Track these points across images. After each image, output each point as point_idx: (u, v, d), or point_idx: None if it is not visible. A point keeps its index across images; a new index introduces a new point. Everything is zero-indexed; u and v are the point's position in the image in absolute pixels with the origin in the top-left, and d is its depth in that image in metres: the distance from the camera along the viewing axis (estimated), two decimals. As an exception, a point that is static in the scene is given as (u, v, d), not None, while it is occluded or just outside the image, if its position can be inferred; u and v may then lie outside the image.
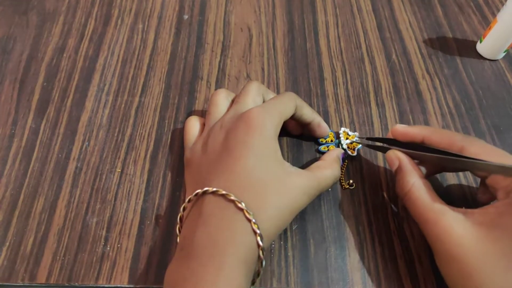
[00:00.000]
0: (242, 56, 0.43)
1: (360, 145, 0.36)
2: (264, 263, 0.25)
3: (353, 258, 0.31)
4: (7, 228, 0.31)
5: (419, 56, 0.44)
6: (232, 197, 0.25)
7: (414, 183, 0.28)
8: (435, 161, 0.31)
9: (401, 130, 0.32)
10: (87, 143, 0.36)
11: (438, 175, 0.35)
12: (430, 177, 0.35)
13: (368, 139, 0.36)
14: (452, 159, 0.28)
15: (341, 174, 0.34)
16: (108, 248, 0.30)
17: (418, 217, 0.28)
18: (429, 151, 0.30)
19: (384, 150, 0.33)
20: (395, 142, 0.33)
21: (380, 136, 0.37)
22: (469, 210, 0.26)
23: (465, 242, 0.25)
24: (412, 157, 0.31)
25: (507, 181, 0.26)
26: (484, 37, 0.43)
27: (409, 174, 0.29)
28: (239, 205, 0.25)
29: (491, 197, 0.30)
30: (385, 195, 0.34)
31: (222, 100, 0.33)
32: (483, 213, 0.26)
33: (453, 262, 0.25)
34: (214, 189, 0.26)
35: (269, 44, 0.44)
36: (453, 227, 0.25)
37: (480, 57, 0.44)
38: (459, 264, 0.25)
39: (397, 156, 0.30)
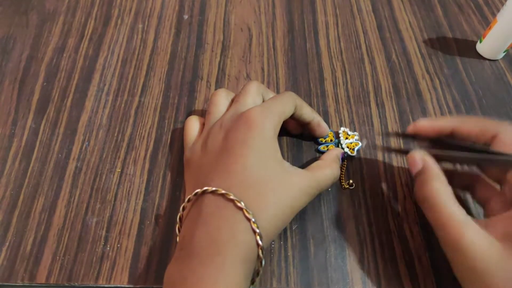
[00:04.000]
0: (242, 56, 0.43)
1: (360, 145, 0.36)
2: (263, 262, 0.25)
3: (353, 258, 0.31)
4: (7, 228, 0.31)
5: (419, 56, 0.44)
6: (232, 197, 0.25)
7: (439, 189, 0.26)
8: (465, 161, 0.29)
9: (427, 124, 0.30)
10: (87, 143, 0.36)
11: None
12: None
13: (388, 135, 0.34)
14: (487, 157, 0.26)
15: (341, 174, 0.34)
16: (108, 248, 0.30)
17: (438, 226, 0.26)
18: (455, 149, 0.28)
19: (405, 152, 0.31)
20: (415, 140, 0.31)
21: (381, 138, 0.37)
22: (489, 221, 0.25)
23: (489, 257, 0.24)
24: (436, 158, 0.29)
25: None
26: (484, 37, 0.43)
27: (435, 178, 0.27)
28: (239, 204, 0.25)
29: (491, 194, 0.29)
30: (385, 195, 0.34)
31: (222, 100, 0.33)
32: (505, 224, 0.25)
33: (475, 277, 0.24)
34: (214, 188, 0.26)
35: (269, 44, 0.44)
36: (478, 241, 0.24)
37: (480, 57, 0.44)
38: (482, 278, 0.24)
39: (422, 158, 0.28)
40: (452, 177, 0.31)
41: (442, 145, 0.30)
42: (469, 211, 0.33)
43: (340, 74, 0.42)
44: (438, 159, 0.29)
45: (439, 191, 0.27)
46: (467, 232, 0.24)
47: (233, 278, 0.23)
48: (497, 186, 0.29)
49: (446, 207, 0.26)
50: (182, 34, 0.44)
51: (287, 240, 0.31)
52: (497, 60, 0.44)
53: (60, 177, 0.34)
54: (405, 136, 0.32)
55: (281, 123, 0.30)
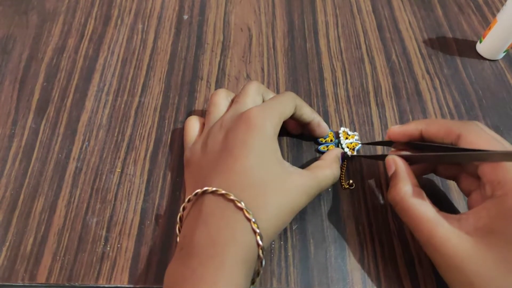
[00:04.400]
0: (242, 56, 0.43)
1: (360, 145, 0.36)
2: (263, 262, 0.25)
3: (353, 258, 0.31)
4: (7, 228, 0.31)
5: (419, 56, 0.44)
6: (232, 197, 0.25)
7: (407, 191, 0.28)
8: (433, 160, 0.31)
9: (398, 130, 0.31)
10: (87, 143, 0.36)
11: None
12: (421, 176, 0.34)
13: (367, 144, 0.36)
14: (452, 154, 0.27)
15: (341, 174, 0.34)
16: (108, 248, 0.30)
17: (412, 227, 0.27)
18: (428, 149, 0.29)
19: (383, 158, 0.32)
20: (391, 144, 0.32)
21: (381, 138, 0.37)
22: (463, 215, 0.26)
23: (462, 251, 0.25)
24: (411, 160, 0.30)
25: (494, 174, 0.26)
26: (484, 37, 0.43)
27: (403, 181, 0.28)
28: (239, 204, 0.25)
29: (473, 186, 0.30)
30: (385, 195, 0.34)
31: (221, 100, 0.33)
32: (476, 218, 0.25)
33: (452, 272, 0.25)
34: (214, 188, 0.26)
35: (269, 44, 0.44)
36: (449, 238, 0.25)
37: (480, 57, 0.44)
38: (459, 273, 0.25)
39: (394, 161, 0.30)
40: (438, 168, 0.32)
41: (417, 147, 0.31)
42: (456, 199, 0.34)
43: (340, 74, 0.42)
44: (412, 161, 0.30)
45: (407, 193, 0.28)
46: (438, 230, 0.26)
47: (233, 278, 0.23)
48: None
49: (415, 208, 0.27)
50: (182, 34, 0.44)
51: (287, 240, 0.31)
52: (497, 60, 0.44)
53: (60, 177, 0.34)
54: (386, 143, 0.33)
55: (281, 123, 0.30)
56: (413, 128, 0.30)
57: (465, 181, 0.30)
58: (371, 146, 0.37)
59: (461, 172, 0.31)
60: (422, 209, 0.27)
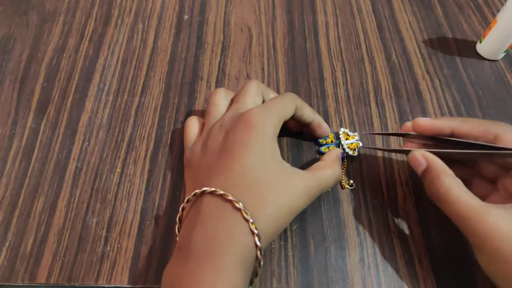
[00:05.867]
0: (242, 56, 0.43)
1: (361, 145, 0.36)
2: (262, 263, 0.25)
3: (353, 258, 0.31)
4: (7, 228, 0.31)
5: (419, 56, 0.44)
6: (230, 197, 0.25)
7: (450, 183, 0.27)
8: (463, 157, 0.30)
9: (427, 123, 0.30)
10: (87, 143, 0.36)
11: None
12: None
13: (375, 134, 0.36)
14: (488, 152, 0.27)
15: (342, 174, 0.34)
16: (108, 248, 0.30)
17: (459, 217, 0.26)
18: (453, 144, 0.28)
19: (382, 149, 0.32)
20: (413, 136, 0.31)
21: (380, 138, 0.37)
22: (506, 205, 0.26)
23: None
24: (438, 156, 0.29)
25: None
26: (484, 37, 0.43)
27: (443, 174, 0.28)
28: (237, 205, 0.25)
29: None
30: (385, 195, 0.34)
31: (221, 99, 0.33)
32: None
33: (502, 259, 0.24)
34: (212, 189, 0.26)
35: (269, 44, 0.44)
36: (499, 224, 0.25)
37: (480, 57, 0.44)
38: (509, 260, 0.24)
39: (424, 156, 0.29)
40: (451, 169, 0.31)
41: (435, 141, 0.30)
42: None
43: (340, 74, 0.42)
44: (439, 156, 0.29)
45: (450, 185, 0.27)
46: (488, 217, 0.25)
47: (231, 278, 0.23)
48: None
49: (461, 199, 0.26)
50: (182, 34, 0.44)
51: (287, 240, 0.31)
52: (497, 60, 0.44)
53: (60, 177, 0.34)
54: (390, 134, 0.33)
55: (281, 124, 0.30)
56: (445, 124, 0.30)
57: (479, 185, 0.30)
58: (370, 142, 0.37)
59: (475, 176, 0.31)
60: (469, 197, 0.26)
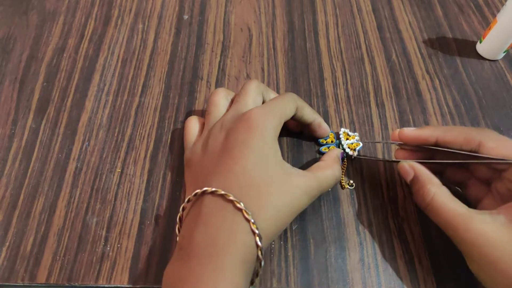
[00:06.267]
0: (242, 56, 0.43)
1: (361, 145, 0.36)
2: (263, 263, 0.25)
3: (353, 258, 0.31)
4: (7, 228, 0.31)
5: (419, 56, 0.44)
6: (231, 197, 0.25)
7: (436, 191, 0.28)
8: (450, 165, 0.30)
9: (412, 134, 0.31)
10: (87, 143, 0.36)
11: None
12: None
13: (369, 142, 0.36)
14: (470, 162, 0.28)
15: (342, 174, 0.34)
16: (108, 248, 0.30)
17: (446, 225, 0.27)
18: (445, 154, 0.29)
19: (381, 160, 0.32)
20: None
21: (380, 138, 0.37)
22: (492, 211, 0.26)
23: (501, 243, 0.24)
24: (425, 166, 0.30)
25: None
26: (484, 37, 0.43)
27: (429, 183, 0.28)
28: (238, 205, 0.25)
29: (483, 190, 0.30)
30: (385, 195, 0.34)
31: (221, 99, 0.33)
32: (508, 212, 0.25)
33: (491, 265, 0.25)
34: (213, 189, 0.26)
35: (269, 44, 0.44)
36: (485, 230, 0.25)
37: (480, 57, 0.44)
38: (498, 266, 0.24)
39: (411, 166, 0.30)
40: (446, 173, 0.32)
41: (425, 150, 0.31)
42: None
43: (340, 74, 0.42)
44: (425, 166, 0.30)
45: (436, 194, 0.28)
46: (474, 224, 0.25)
47: (232, 278, 0.23)
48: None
49: (447, 207, 0.27)
50: (182, 34, 0.44)
51: (287, 240, 0.31)
52: (497, 60, 0.44)
53: (60, 177, 0.34)
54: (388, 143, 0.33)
55: (282, 124, 0.30)
56: (428, 133, 0.30)
57: (474, 188, 0.31)
58: (371, 145, 0.37)
59: (470, 178, 0.31)
60: (454, 205, 0.27)
